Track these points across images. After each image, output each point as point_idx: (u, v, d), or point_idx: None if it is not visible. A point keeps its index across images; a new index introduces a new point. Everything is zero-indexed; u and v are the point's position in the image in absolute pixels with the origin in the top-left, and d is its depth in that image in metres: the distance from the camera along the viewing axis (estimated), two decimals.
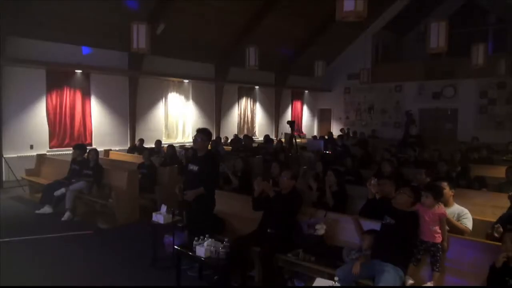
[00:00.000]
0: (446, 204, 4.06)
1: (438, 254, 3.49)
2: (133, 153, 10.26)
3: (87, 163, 7.44)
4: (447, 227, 3.68)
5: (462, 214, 4.08)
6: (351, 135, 16.67)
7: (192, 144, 7.24)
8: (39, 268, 4.76)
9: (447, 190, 4.12)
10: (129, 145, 11.67)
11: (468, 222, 4.02)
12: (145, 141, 11.13)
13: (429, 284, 3.47)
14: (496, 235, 3.59)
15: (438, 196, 3.68)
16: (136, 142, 11.31)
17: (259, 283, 4.24)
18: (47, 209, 7.07)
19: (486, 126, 14.99)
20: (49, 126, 10.22)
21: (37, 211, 7.07)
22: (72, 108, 10.63)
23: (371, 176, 6.33)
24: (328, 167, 5.89)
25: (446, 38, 7.65)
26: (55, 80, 10.25)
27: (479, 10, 16.07)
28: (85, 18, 9.80)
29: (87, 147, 8.44)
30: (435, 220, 3.57)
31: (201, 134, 4.56)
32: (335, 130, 17.70)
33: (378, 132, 17.20)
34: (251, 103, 16.38)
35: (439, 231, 3.55)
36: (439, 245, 3.52)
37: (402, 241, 3.58)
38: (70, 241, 5.73)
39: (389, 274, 3.37)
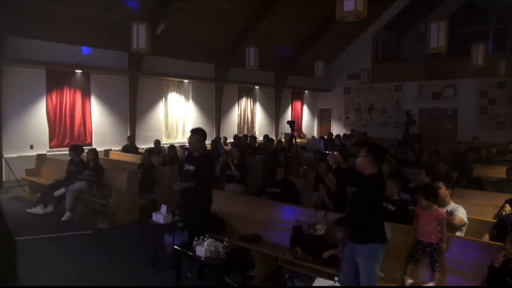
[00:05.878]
0: (443, 204, 4.07)
1: (435, 254, 3.50)
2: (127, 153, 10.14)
3: (85, 164, 7.43)
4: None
5: (454, 208, 4.10)
6: (355, 135, 16.57)
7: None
8: (39, 268, 4.74)
9: (443, 190, 4.12)
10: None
11: (459, 213, 4.02)
12: (145, 141, 11.06)
13: (430, 284, 3.47)
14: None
15: (429, 197, 3.67)
16: (127, 142, 11.10)
17: (259, 283, 4.24)
18: (38, 210, 7.04)
19: (486, 126, 14.99)
20: (49, 126, 10.21)
21: (28, 210, 7.06)
22: (72, 108, 10.62)
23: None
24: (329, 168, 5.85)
25: (446, 38, 7.66)
26: (55, 80, 10.24)
27: (479, 10, 16.08)
28: (85, 18, 9.79)
29: (86, 147, 8.43)
30: (432, 221, 3.58)
31: (196, 134, 4.57)
32: (335, 130, 17.68)
33: (377, 132, 17.14)
34: (251, 103, 16.37)
35: (435, 231, 3.56)
36: (435, 245, 3.52)
37: (369, 207, 3.23)
38: (70, 241, 5.73)
39: (364, 266, 3.20)
